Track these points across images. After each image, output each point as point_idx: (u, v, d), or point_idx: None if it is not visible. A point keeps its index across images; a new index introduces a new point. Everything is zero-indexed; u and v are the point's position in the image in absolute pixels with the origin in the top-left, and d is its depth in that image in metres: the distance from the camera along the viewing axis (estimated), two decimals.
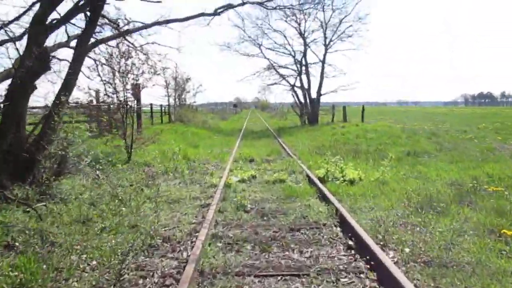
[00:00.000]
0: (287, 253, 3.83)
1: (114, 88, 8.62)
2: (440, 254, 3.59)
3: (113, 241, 3.75)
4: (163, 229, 4.41)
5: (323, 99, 26.02)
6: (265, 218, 5.02)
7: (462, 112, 51.05)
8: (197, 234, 4.17)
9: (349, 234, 4.21)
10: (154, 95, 27.35)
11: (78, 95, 9.42)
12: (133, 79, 8.97)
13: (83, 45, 6.60)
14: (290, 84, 26.99)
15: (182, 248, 3.89)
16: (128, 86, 8.89)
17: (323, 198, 5.82)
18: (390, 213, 4.95)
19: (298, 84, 26.52)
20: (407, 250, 3.72)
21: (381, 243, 3.92)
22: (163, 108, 26.51)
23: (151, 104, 21.29)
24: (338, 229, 4.52)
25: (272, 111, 65.92)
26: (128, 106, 8.75)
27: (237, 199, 5.76)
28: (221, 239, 4.15)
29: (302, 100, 26.25)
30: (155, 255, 3.72)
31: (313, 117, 24.71)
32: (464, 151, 10.52)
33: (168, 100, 26.64)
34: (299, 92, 26.54)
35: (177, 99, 28.48)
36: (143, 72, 9.26)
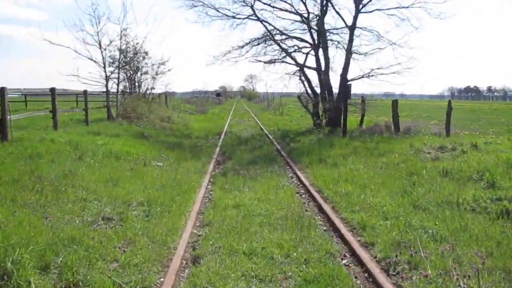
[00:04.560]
0: None
1: None
2: None
3: None
4: None
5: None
6: None
7: (480, 108, 42.88)
8: None
9: None
10: (84, 77, 16.18)
11: None
12: None
13: None
14: (296, 63, 17.06)
15: None
16: None
17: None
18: None
19: (309, 63, 16.81)
20: None
21: None
22: (97, 94, 16.64)
23: (51, 89, 11.38)
24: None
25: (261, 102, 56.33)
26: None
27: None
28: None
29: (318, 89, 16.56)
30: None
31: (336, 117, 15.01)
32: None
33: (107, 85, 16.43)
34: (311, 76, 16.87)
35: (126, 83, 18.50)
36: None
